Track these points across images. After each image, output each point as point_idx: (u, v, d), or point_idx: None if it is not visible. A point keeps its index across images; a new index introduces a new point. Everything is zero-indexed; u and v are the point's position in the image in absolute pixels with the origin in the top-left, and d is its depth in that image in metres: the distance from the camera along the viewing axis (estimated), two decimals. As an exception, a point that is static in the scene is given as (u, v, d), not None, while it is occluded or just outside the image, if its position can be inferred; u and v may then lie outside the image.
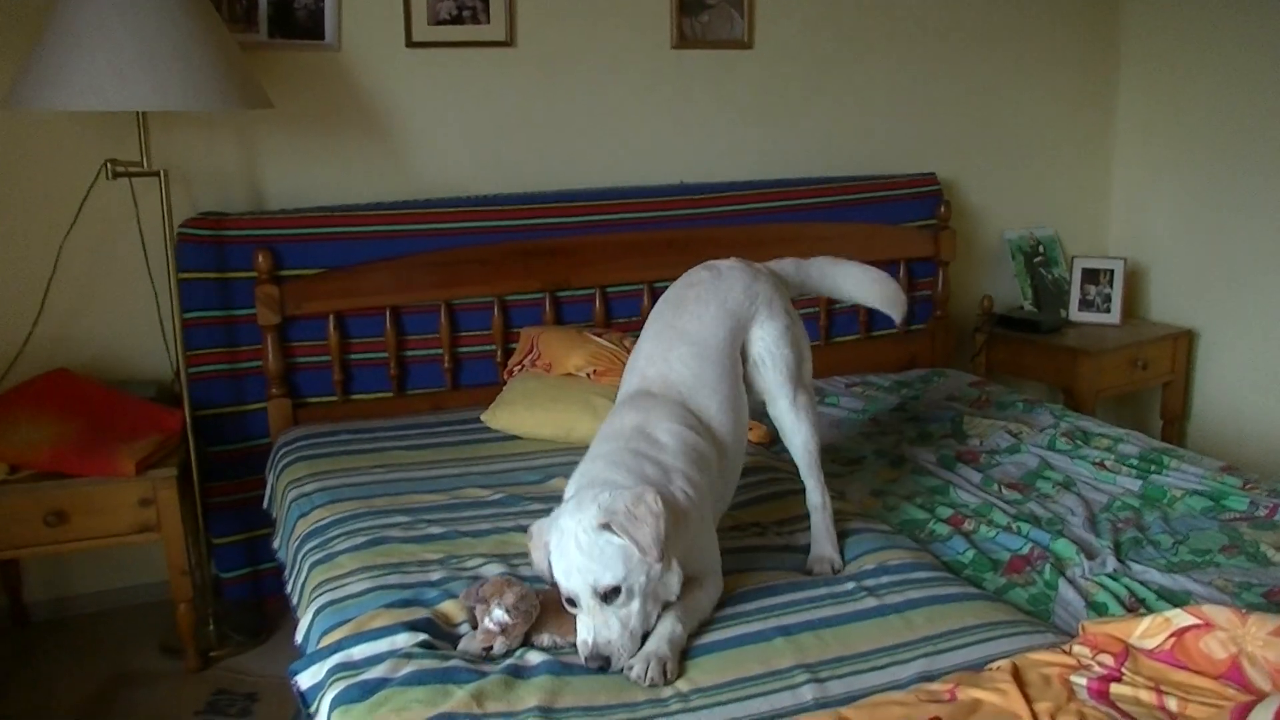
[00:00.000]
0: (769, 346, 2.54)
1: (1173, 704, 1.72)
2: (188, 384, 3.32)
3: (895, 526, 2.77)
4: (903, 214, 4.33)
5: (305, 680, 2.04)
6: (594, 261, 3.78)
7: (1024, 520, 2.84)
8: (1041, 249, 4.82)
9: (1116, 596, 2.43)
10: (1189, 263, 4.72)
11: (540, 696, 1.87)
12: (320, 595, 2.30)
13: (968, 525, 2.83)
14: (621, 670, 1.97)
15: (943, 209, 4.34)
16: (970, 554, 2.67)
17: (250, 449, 3.50)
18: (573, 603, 2.03)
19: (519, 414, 3.30)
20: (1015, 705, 1.71)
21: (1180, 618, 1.84)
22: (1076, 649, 1.89)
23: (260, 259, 3.34)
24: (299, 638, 2.29)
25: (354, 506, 2.74)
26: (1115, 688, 1.77)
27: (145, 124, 3.13)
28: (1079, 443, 3.41)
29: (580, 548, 1.98)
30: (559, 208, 3.78)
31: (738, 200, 4.04)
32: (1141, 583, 2.48)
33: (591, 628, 1.99)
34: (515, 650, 2.04)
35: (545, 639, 2.08)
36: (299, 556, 2.60)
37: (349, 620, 2.14)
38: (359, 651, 2.01)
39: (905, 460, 3.30)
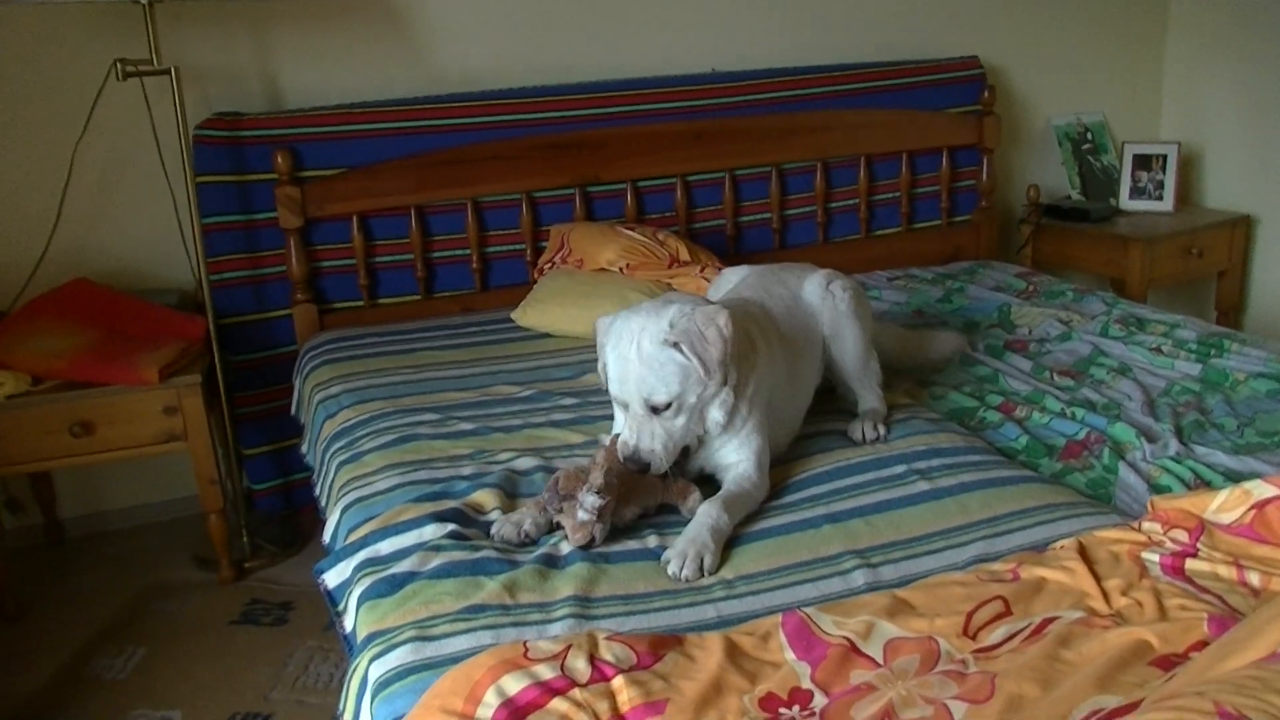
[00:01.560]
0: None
1: (1255, 579, 1.60)
2: (210, 291, 3.24)
3: (944, 415, 2.65)
4: (944, 100, 4.14)
5: (332, 579, 1.96)
6: (624, 155, 3.64)
7: (1079, 406, 2.72)
8: (1090, 135, 4.61)
9: (1181, 479, 2.31)
10: (1246, 146, 4.51)
11: (576, 586, 1.78)
12: (347, 493, 2.22)
13: (1019, 412, 2.71)
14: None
15: (986, 94, 4.15)
16: (1024, 440, 2.56)
17: (277, 357, 3.42)
18: (622, 405, 2.04)
19: (550, 311, 3.20)
20: (1084, 583, 1.60)
21: (1261, 489, 1.71)
22: (1146, 526, 1.78)
23: (279, 159, 3.23)
24: (326, 538, 2.22)
25: (381, 406, 2.65)
26: (1191, 563, 1.65)
27: (153, 18, 3.00)
28: (1133, 329, 3.27)
29: (641, 357, 1.99)
30: (586, 99, 3.63)
31: (772, 88, 3.87)
32: (1207, 465, 2.36)
33: (635, 432, 2.00)
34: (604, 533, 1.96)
35: (626, 513, 2.00)
36: (326, 458, 2.52)
37: (376, 516, 2.06)
38: (386, 546, 1.93)
39: (953, 351, 3.16)
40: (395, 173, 3.40)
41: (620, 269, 3.28)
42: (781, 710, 1.39)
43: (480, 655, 1.45)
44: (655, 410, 2.00)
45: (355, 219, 3.38)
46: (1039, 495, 2.11)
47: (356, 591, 1.83)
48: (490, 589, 1.75)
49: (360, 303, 3.46)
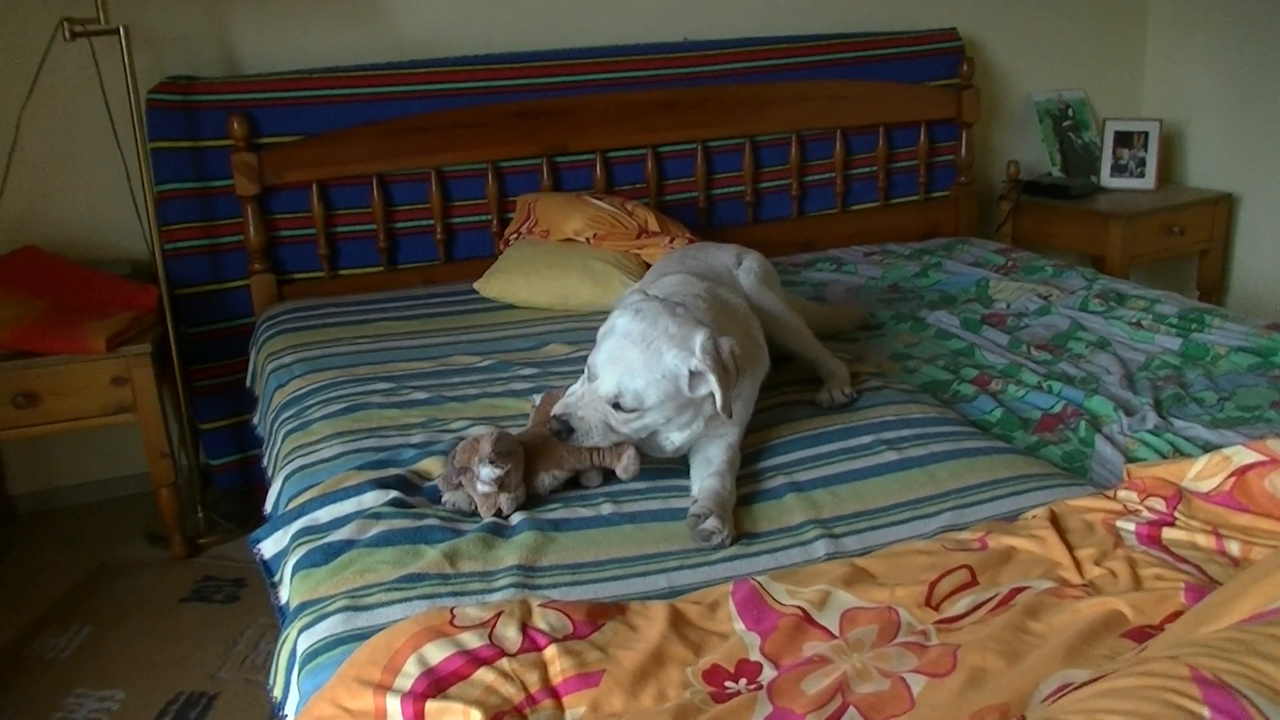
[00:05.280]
0: None
1: (1234, 548, 1.52)
2: (163, 261, 3.14)
3: (917, 388, 2.56)
4: (922, 72, 4.05)
5: (269, 548, 1.87)
6: (593, 124, 3.54)
7: (1055, 379, 2.64)
8: (1071, 112, 4.54)
9: (1159, 453, 2.24)
10: (1228, 124, 4.44)
11: (520, 555, 1.69)
12: (290, 461, 2.12)
13: (994, 385, 2.64)
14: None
15: (965, 67, 4.06)
16: (998, 413, 2.48)
17: (234, 329, 3.31)
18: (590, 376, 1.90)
19: (514, 281, 3.10)
20: (1055, 553, 1.52)
21: (1242, 455, 1.63)
22: (1122, 494, 1.69)
23: (235, 125, 3.13)
24: (268, 507, 2.12)
25: (334, 375, 2.55)
26: (1168, 532, 1.57)
27: (100, -27, 2.89)
28: (1113, 304, 3.21)
29: (646, 359, 1.84)
30: (555, 66, 3.52)
31: (745, 57, 3.77)
32: (1185, 439, 2.29)
33: (584, 401, 1.86)
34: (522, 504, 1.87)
35: (545, 480, 1.90)
36: (274, 427, 2.42)
37: (318, 484, 1.96)
38: (324, 514, 1.83)
39: (927, 324, 3.08)
40: (356, 140, 3.30)
41: (587, 239, 3.18)
42: (727, 684, 1.29)
43: (403, 623, 1.35)
44: (617, 406, 1.87)
45: (315, 187, 3.28)
46: (1011, 466, 2.03)
47: (291, 560, 1.74)
48: (430, 557, 1.66)
49: (320, 273, 3.36)
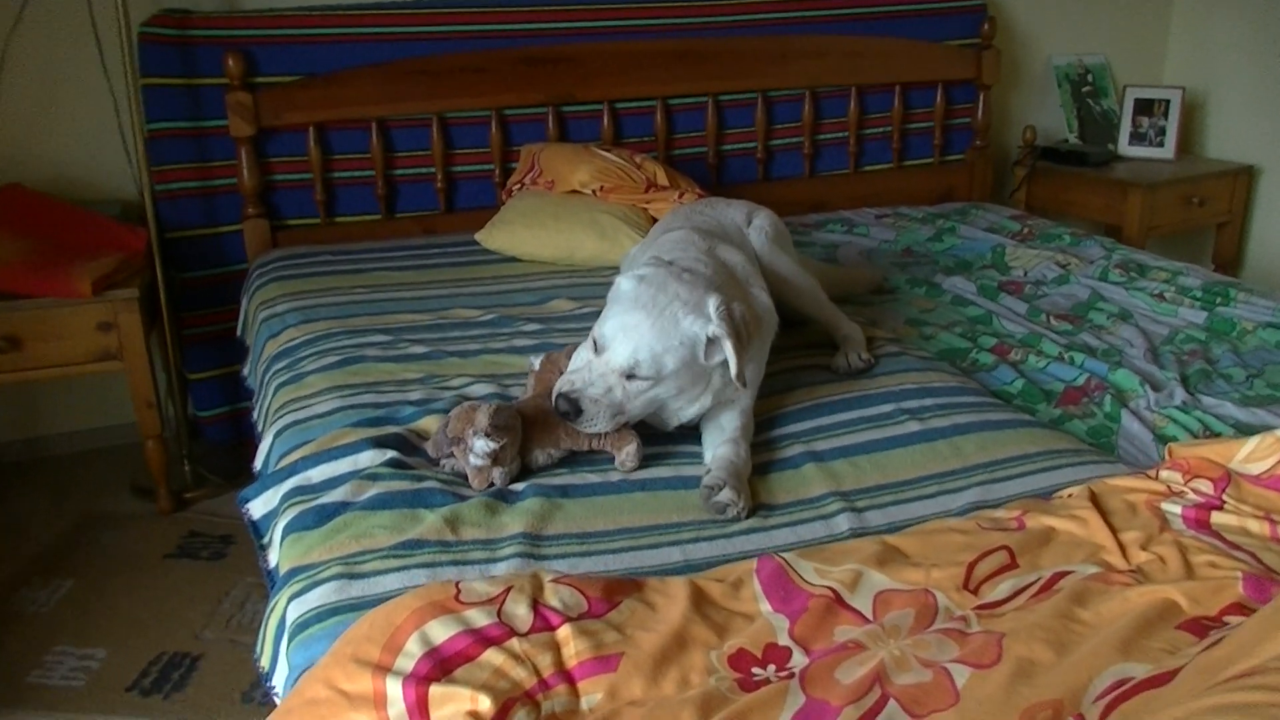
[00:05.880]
0: None
1: (1289, 536, 1.42)
2: (154, 203, 3.02)
3: (934, 355, 2.47)
4: (942, 30, 3.92)
5: (258, 508, 1.76)
6: (602, 73, 3.41)
7: (1077, 350, 2.55)
8: (1091, 78, 4.41)
9: (1189, 430, 2.16)
10: (1253, 94, 4.32)
11: (526, 522, 1.59)
12: (282, 416, 2.01)
13: (1014, 355, 2.55)
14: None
15: (986, 26, 3.93)
16: (1019, 384, 2.39)
17: (226, 275, 3.20)
18: (597, 347, 1.79)
19: (518, 233, 2.99)
20: (1098, 535, 1.42)
21: (1296, 437, 1.53)
22: (1165, 474, 1.60)
23: (231, 63, 3.00)
24: (258, 464, 2.01)
25: (329, 326, 2.44)
26: (1217, 516, 1.48)
27: (91, -102, 2.75)
28: (1134, 275, 3.12)
29: (658, 324, 1.74)
30: (565, 11, 3.39)
31: (761, 9, 3.64)
32: (1215, 416, 2.21)
33: (591, 377, 1.75)
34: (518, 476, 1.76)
35: (539, 456, 1.79)
36: (266, 379, 2.31)
37: (311, 441, 1.86)
38: (317, 473, 1.73)
39: (942, 290, 2.98)
40: (357, 82, 3.17)
41: (594, 191, 3.06)
42: (755, 670, 1.20)
43: (404, 596, 1.25)
44: (631, 376, 1.76)
45: (313, 130, 3.15)
46: (1039, 440, 1.94)
47: (282, 523, 1.63)
48: (430, 523, 1.56)
49: (316, 220, 3.24)
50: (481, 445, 1.68)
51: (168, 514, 3.01)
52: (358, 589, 1.42)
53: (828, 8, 3.73)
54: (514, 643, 1.18)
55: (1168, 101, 4.27)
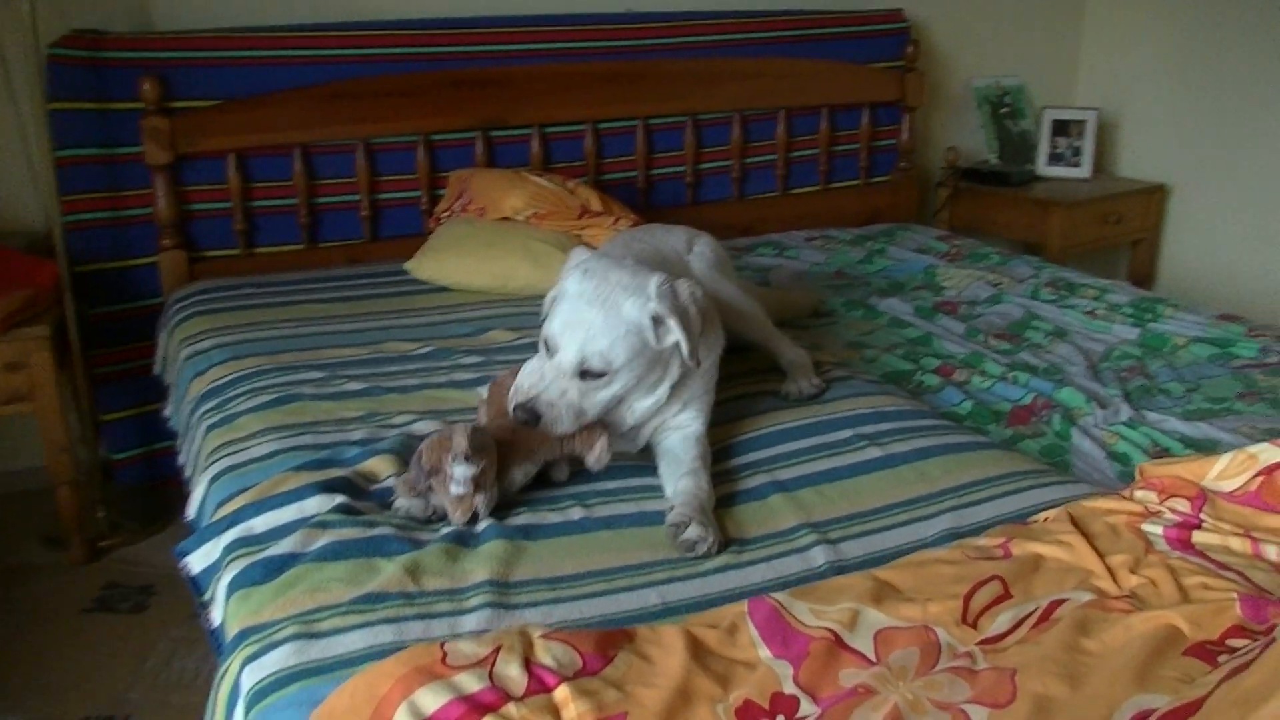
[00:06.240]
0: None
1: (1272, 552, 1.41)
2: (63, 234, 2.87)
3: (879, 378, 2.44)
4: (867, 53, 3.94)
5: (197, 562, 1.64)
6: (532, 96, 3.34)
7: (1020, 370, 2.56)
8: (1008, 99, 4.47)
9: (1139, 446, 2.18)
10: (1162, 115, 4.43)
11: (491, 568, 1.50)
12: (216, 461, 1.90)
13: (959, 376, 2.55)
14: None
15: (910, 49, 3.96)
16: (968, 405, 2.38)
17: (140, 310, 3.05)
18: (547, 350, 1.76)
19: (449, 262, 2.90)
20: (1086, 560, 1.39)
21: (1269, 453, 1.52)
22: (1140, 494, 1.58)
23: (146, 86, 2.87)
24: (191, 513, 1.89)
25: (259, 362, 2.32)
26: (1198, 535, 1.46)
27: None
28: (1064, 292, 3.17)
29: (606, 316, 1.72)
30: (493, 34, 3.32)
31: (690, 31, 3.62)
32: (1162, 431, 2.23)
33: (545, 381, 1.72)
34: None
35: (517, 476, 1.72)
36: (193, 420, 2.19)
37: (251, 488, 1.74)
38: (261, 522, 1.62)
39: (879, 311, 2.97)
40: (278, 106, 3.06)
41: (526, 218, 2.99)
42: (765, 723, 1.13)
43: (385, 662, 1.15)
44: (585, 375, 1.72)
45: (232, 157, 3.03)
46: (1001, 462, 1.92)
47: (226, 577, 1.52)
48: (389, 573, 1.46)
49: (236, 250, 3.11)
50: (462, 471, 1.61)
51: (82, 564, 2.84)
52: (318, 649, 1.31)
53: (755, 31, 3.72)
54: (511, 708, 1.09)
55: (1083, 122, 4.36)
